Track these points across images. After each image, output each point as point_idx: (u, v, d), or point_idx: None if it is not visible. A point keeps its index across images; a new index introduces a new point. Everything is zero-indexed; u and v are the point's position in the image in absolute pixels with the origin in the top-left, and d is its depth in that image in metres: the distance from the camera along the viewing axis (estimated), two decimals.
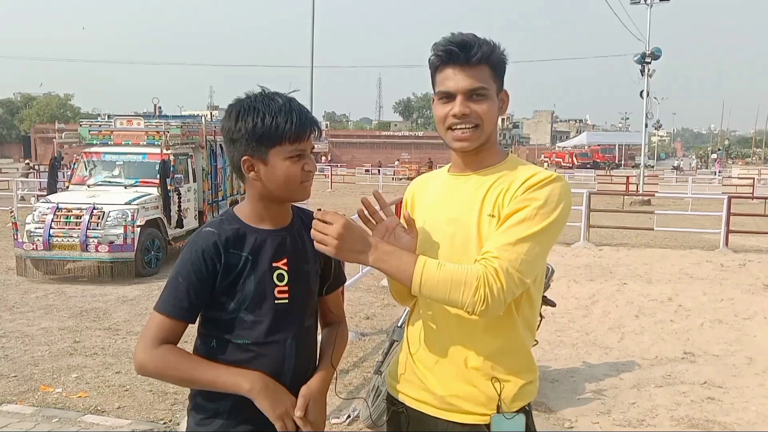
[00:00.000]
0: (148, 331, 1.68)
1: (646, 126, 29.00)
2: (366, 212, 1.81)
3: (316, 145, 1.78)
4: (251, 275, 1.73)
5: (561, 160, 62.21)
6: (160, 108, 13.01)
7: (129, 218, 9.29)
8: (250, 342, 1.72)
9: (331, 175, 33.43)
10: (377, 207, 1.84)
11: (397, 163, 46.80)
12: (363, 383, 4.98)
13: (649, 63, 26.72)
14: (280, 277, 1.76)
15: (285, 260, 1.77)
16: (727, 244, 12.19)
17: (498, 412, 1.73)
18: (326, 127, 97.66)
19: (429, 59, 1.81)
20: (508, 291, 1.63)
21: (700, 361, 5.81)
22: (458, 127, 1.75)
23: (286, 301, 1.77)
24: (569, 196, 1.74)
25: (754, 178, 30.30)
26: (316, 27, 28.44)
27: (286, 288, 1.77)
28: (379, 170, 36.65)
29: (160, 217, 10.00)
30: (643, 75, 27.09)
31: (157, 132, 10.60)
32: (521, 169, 1.79)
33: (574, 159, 61.63)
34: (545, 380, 5.22)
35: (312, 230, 1.65)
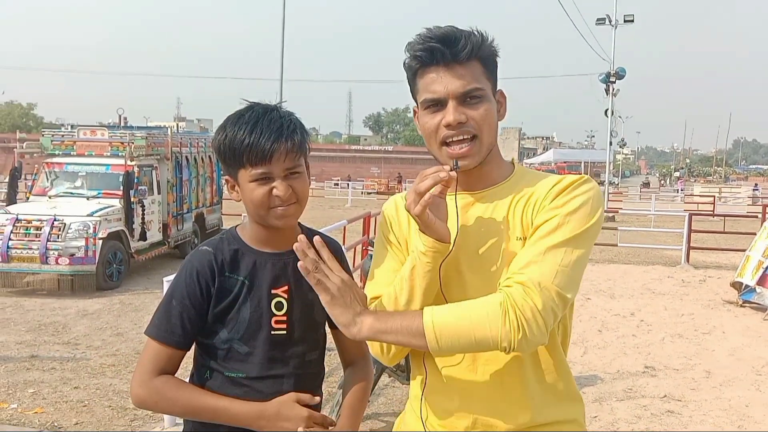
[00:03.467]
0: (143, 361, 1.56)
1: (611, 144, 29.63)
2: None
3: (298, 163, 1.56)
4: (246, 302, 1.58)
5: None
6: (125, 119, 12.78)
7: (91, 230, 9.11)
8: (243, 376, 1.58)
9: None
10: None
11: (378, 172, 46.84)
12: (327, 398, 4.94)
13: (614, 82, 27.35)
14: (279, 306, 1.60)
15: (286, 287, 1.61)
16: (688, 260, 12.45)
17: None
18: None
19: (405, 63, 1.51)
20: (547, 310, 1.33)
21: (660, 375, 5.90)
22: (454, 140, 1.44)
23: (284, 332, 1.60)
24: (602, 198, 1.48)
25: (714, 196, 31.06)
26: (286, 40, 28.52)
27: (284, 318, 1.60)
28: (348, 184, 36.63)
29: (122, 230, 9.84)
30: (607, 94, 27.71)
31: (122, 143, 10.47)
32: (541, 178, 1.52)
33: None
34: None
35: (304, 262, 1.43)
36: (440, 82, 1.43)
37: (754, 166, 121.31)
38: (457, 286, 1.48)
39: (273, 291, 1.60)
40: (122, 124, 12.30)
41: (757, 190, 39.95)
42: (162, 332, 1.55)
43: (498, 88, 1.52)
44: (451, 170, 1.38)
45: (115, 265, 9.59)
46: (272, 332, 1.59)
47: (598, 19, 29.05)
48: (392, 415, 4.82)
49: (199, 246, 1.64)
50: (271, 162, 1.50)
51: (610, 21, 28.46)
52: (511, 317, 1.31)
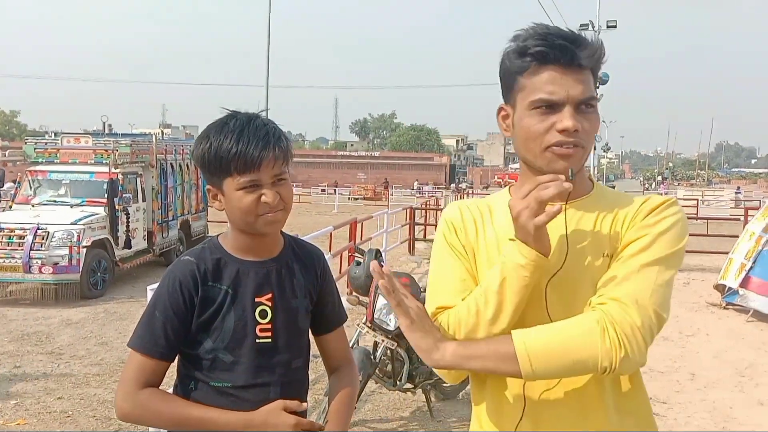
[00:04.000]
0: (127, 374, 1.55)
1: (595, 148, 29.85)
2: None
3: (286, 170, 1.58)
4: (231, 311, 1.57)
5: (514, 181, 63.27)
6: (110, 126, 12.71)
7: (75, 239, 9.03)
8: (229, 385, 1.57)
9: None
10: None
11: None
12: (314, 405, 4.92)
13: (597, 87, 27.53)
14: (263, 314, 1.60)
15: (269, 295, 1.61)
16: None
17: None
18: None
19: (512, 55, 1.38)
20: (646, 329, 1.26)
21: (645, 378, 5.84)
22: (564, 145, 1.34)
23: (269, 340, 1.60)
24: (687, 223, 1.43)
25: (698, 200, 31.33)
26: (271, 46, 28.50)
27: (269, 326, 1.60)
28: (335, 190, 36.61)
29: (107, 238, 9.76)
30: None
31: (106, 150, 10.40)
32: (623, 195, 1.48)
33: None
34: None
35: (385, 282, 1.34)
36: (560, 83, 1.33)
37: (736, 170, 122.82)
38: (537, 302, 1.37)
39: (257, 299, 1.60)
40: (106, 131, 12.22)
41: (739, 193, 40.36)
42: (146, 344, 1.54)
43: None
44: (566, 180, 1.29)
45: (99, 274, 9.51)
46: (257, 340, 1.58)
47: (581, 25, 29.23)
48: (378, 421, 4.82)
49: (181, 256, 1.64)
50: (260, 169, 1.51)
51: (593, 26, 28.72)
52: (611, 334, 1.24)
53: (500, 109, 1.46)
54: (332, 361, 1.82)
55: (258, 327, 1.59)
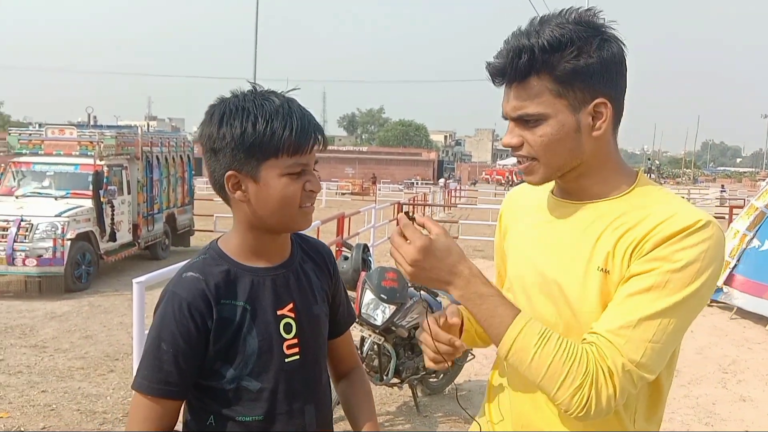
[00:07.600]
0: (135, 423, 1.31)
1: None
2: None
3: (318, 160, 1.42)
4: (252, 330, 1.36)
5: (501, 177, 63.53)
6: (95, 118, 12.56)
7: (59, 231, 8.94)
8: (261, 418, 1.36)
9: None
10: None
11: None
12: None
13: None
14: (288, 328, 1.40)
15: (291, 305, 1.41)
16: None
17: None
18: None
19: None
20: (621, 395, 1.19)
21: None
22: (518, 161, 1.35)
23: (298, 357, 1.41)
24: (721, 249, 1.22)
25: (683, 198, 31.55)
26: (259, 39, 28.36)
27: (295, 341, 1.40)
28: (323, 184, 36.42)
29: (91, 230, 9.67)
30: None
31: (91, 142, 10.31)
32: (654, 206, 1.27)
33: (514, 176, 63.09)
34: (482, 394, 5.28)
35: (391, 242, 1.31)
36: (505, 100, 1.37)
37: (721, 168, 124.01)
38: (525, 302, 1.40)
39: (279, 312, 1.40)
40: (92, 123, 12.09)
41: (724, 191, 40.69)
42: (155, 385, 1.30)
43: (600, 98, 1.28)
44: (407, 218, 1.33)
45: (83, 267, 9.43)
46: (286, 360, 1.39)
47: None
48: None
49: (181, 273, 1.38)
50: (309, 153, 1.35)
51: None
52: (585, 393, 1.18)
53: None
54: (343, 365, 1.64)
55: (285, 344, 1.39)
